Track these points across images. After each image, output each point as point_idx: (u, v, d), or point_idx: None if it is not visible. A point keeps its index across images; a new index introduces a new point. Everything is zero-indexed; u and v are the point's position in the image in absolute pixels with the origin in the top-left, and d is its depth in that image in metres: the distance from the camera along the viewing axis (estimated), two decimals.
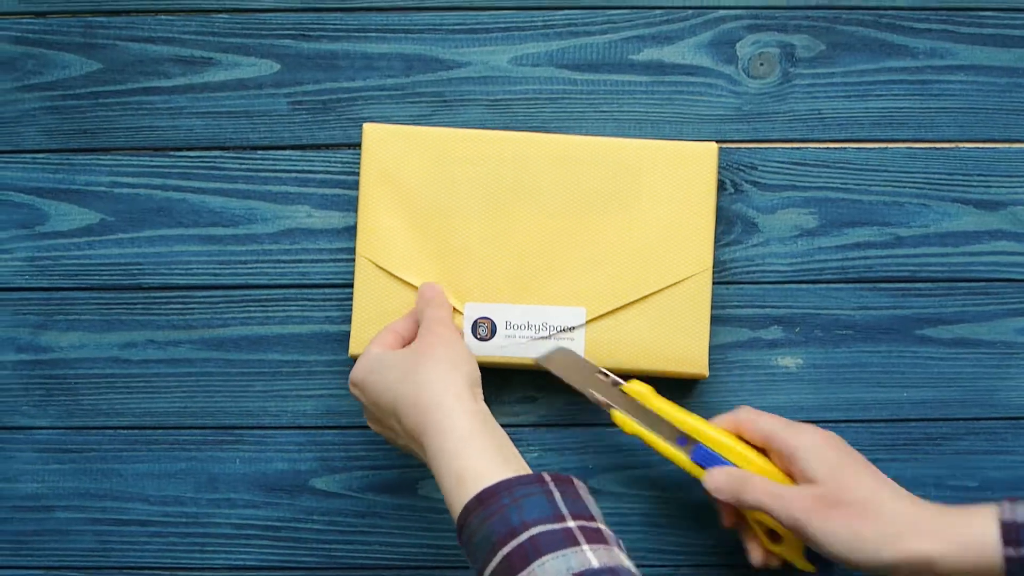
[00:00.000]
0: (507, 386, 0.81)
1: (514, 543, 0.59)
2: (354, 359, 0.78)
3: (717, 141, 0.81)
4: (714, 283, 0.80)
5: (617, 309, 0.78)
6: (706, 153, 0.78)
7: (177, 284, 0.81)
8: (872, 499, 0.69)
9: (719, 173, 0.80)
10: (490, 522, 0.61)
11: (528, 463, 0.80)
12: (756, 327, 0.81)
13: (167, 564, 0.81)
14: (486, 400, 0.70)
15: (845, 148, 0.82)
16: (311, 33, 0.81)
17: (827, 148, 0.82)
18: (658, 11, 0.81)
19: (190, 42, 0.81)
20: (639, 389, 0.75)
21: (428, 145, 0.78)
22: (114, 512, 0.81)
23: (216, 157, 0.81)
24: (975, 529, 0.66)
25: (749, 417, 0.74)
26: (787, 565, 0.75)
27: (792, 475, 0.72)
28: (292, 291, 0.81)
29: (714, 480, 0.72)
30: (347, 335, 0.81)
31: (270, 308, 0.81)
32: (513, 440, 0.80)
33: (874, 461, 0.81)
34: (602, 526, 0.61)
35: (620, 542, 0.62)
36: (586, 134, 0.81)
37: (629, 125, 0.81)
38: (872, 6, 0.82)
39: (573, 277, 0.78)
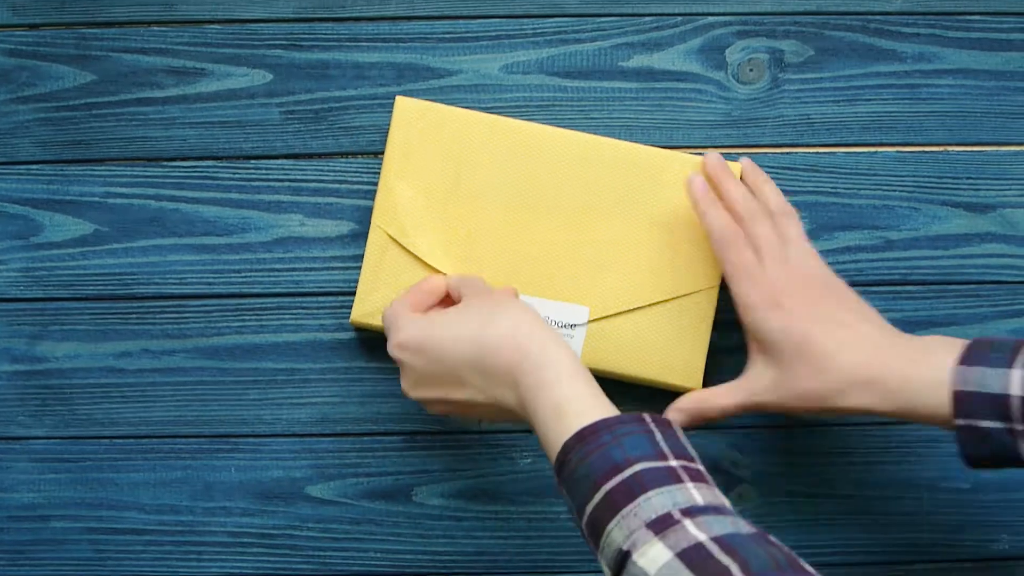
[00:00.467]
0: None
1: (618, 479, 0.59)
2: (355, 326, 0.79)
3: (707, 147, 0.81)
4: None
5: (621, 313, 0.78)
6: (733, 169, 0.77)
7: (171, 294, 0.81)
8: (821, 357, 0.69)
9: None
10: (592, 458, 0.60)
11: (522, 469, 0.81)
12: None
13: (163, 572, 0.81)
14: None
15: (834, 152, 0.82)
16: (303, 43, 0.82)
17: (816, 153, 0.82)
18: (647, 18, 0.82)
19: (183, 53, 0.81)
20: None
21: (456, 125, 0.78)
22: (110, 521, 0.81)
23: (209, 167, 0.82)
24: (924, 396, 0.66)
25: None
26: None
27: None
28: (286, 299, 0.81)
29: (676, 414, 0.74)
30: (341, 343, 0.81)
31: (264, 317, 0.81)
32: (507, 446, 0.81)
33: (867, 464, 0.81)
34: (702, 468, 0.61)
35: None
36: None
37: (619, 132, 0.81)
38: (860, 11, 0.82)
39: (581, 275, 0.78)
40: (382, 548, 0.81)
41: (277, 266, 0.81)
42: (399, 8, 0.82)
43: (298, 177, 0.81)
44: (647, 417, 0.62)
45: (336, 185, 0.81)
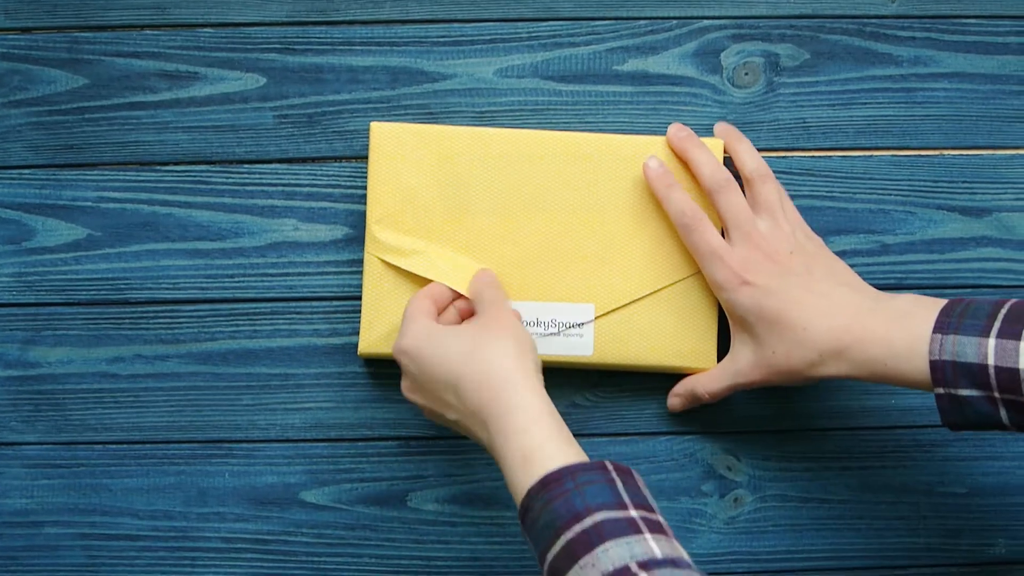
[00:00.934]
0: None
1: (578, 528, 0.59)
2: (365, 358, 0.79)
3: None
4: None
5: (626, 305, 0.78)
6: (713, 148, 0.78)
7: (165, 299, 0.81)
8: (793, 330, 0.71)
9: None
10: (553, 505, 0.60)
11: None
12: None
13: None
14: None
15: (830, 156, 0.82)
16: (296, 47, 0.81)
17: (812, 156, 0.82)
18: (642, 22, 0.82)
19: (176, 57, 0.81)
20: None
21: (435, 143, 0.78)
22: (103, 527, 0.81)
23: (202, 171, 0.81)
24: (902, 364, 0.67)
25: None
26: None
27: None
28: (279, 304, 0.81)
29: (671, 405, 0.80)
30: (335, 348, 0.81)
31: (258, 321, 0.81)
32: None
33: (864, 469, 0.81)
34: (661, 519, 0.61)
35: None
36: None
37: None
38: (856, 15, 0.82)
39: (582, 273, 0.78)
40: (377, 554, 0.81)
41: (271, 271, 0.81)
42: (393, 12, 0.81)
43: (292, 181, 0.81)
44: (610, 465, 0.63)
45: (330, 189, 0.81)
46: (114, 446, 0.81)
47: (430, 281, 0.77)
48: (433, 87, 0.81)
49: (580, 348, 0.78)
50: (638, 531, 0.59)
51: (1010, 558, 0.81)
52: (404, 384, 0.73)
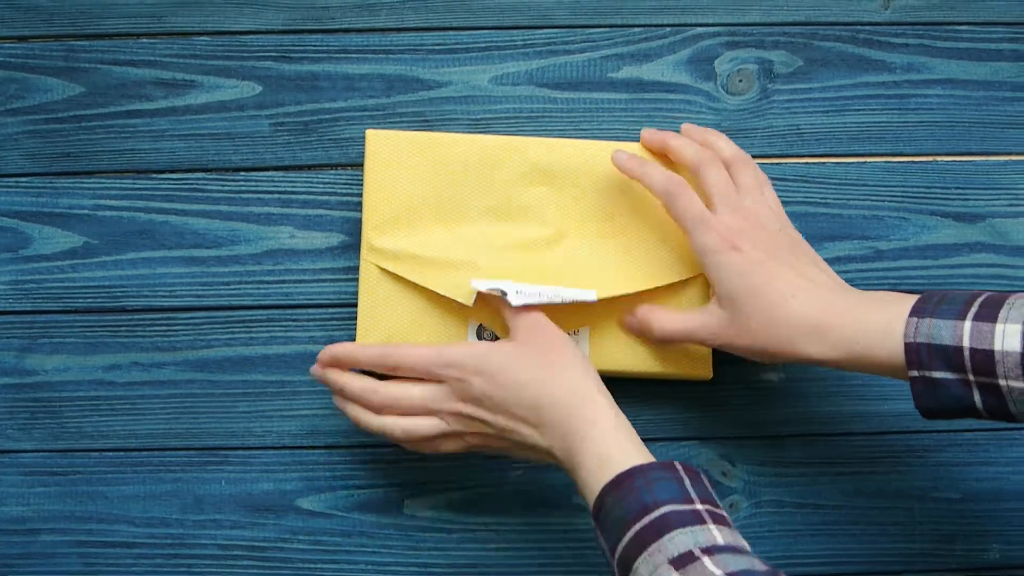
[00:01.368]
0: None
1: (647, 519, 0.62)
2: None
3: None
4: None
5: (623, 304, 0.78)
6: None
7: (161, 306, 0.81)
8: (774, 303, 0.70)
9: None
10: (625, 501, 0.64)
11: (513, 480, 0.81)
12: None
13: None
14: None
15: (824, 163, 0.82)
16: (292, 55, 0.82)
17: (806, 163, 0.82)
18: (636, 29, 0.82)
19: (172, 65, 0.81)
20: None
21: (431, 149, 0.78)
22: (100, 534, 0.81)
23: (199, 179, 0.81)
24: (877, 346, 0.67)
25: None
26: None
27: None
28: (275, 312, 0.81)
29: (626, 321, 0.79)
30: None
31: (253, 329, 0.81)
32: (499, 457, 0.81)
33: (858, 475, 0.81)
34: (725, 513, 0.64)
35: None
36: None
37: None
38: (849, 21, 0.82)
39: (578, 277, 0.78)
40: (373, 560, 0.81)
41: (267, 278, 0.81)
42: (388, 20, 0.82)
43: (287, 189, 0.81)
44: (678, 465, 0.66)
45: (326, 197, 0.81)
46: (110, 453, 0.81)
47: (425, 289, 0.77)
48: (428, 95, 0.82)
49: None
50: (702, 521, 0.62)
51: (1004, 563, 0.82)
52: (444, 394, 0.73)
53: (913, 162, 0.82)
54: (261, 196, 0.81)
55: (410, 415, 0.73)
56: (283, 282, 0.81)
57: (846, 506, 0.82)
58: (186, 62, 0.81)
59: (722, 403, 0.81)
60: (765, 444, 0.82)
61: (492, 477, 0.81)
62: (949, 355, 0.64)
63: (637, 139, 0.81)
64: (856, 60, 0.82)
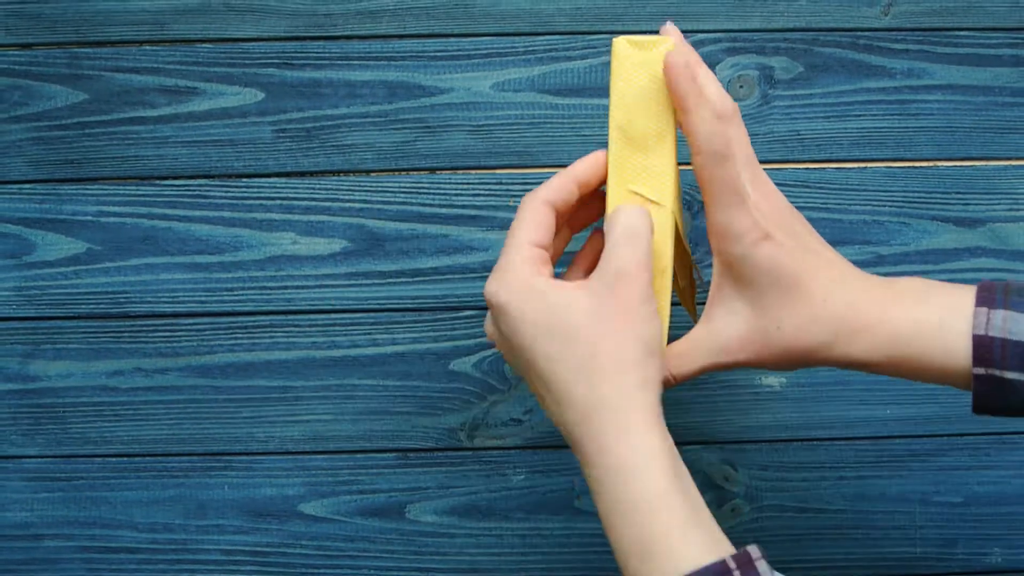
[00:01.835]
0: (493, 409, 0.81)
1: None
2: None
3: None
4: (698, 304, 0.81)
5: None
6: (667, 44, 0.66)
7: (164, 312, 0.82)
8: (812, 301, 0.59)
9: (695, 195, 0.81)
10: None
11: (516, 485, 0.81)
12: None
13: None
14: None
15: (824, 168, 0.82)
16: (294, 62, 0.82)
17: (807, 169, 0.82)
18: (638, 36, 0.82)
19: (174, 72, 0.82)
20: None
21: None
22: (103, 540, 0.81)
23: (201, 186, 0.82)
24: (932, 343, 0.57)
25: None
26: None
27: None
28: (278, 318, 0.82)
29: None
30: (334, 360, 0.81)
31: (256, 335, 0.81)
32: (500, 463, 0.81)
33: (859, 479, 0.82)
34: None
35: None
36: (569, 158, 0.81)
37: None
38: (849, 27, 0.83)
39: None
40: (375, 565, 0.81)
41: (269, 284, 0.81)
42: (390, 26, 0.82)
43: (290, 195, 0.82)
44: (731, 563, 0.53)
45: (328, 203, 0.82)
46: (114, 459, 0.82)
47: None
48: (430, 101, 0.82)
49: None
50: None
51: (1006, 567, 0.82)
52: (489, 327, 0.61)
53: (913, 167, 0.83)
54: (263, 202, 0.82)
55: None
56: (285, 288, 0.81)
57: (848, 510, 0.82)
58: (189, 69, 0.82)
59: (724, 407, 0.81)
60: (767, 449, 0.82)
61: (495, 482, 0.81)
62: None
63: None
64: (856, 66, 0.82)
